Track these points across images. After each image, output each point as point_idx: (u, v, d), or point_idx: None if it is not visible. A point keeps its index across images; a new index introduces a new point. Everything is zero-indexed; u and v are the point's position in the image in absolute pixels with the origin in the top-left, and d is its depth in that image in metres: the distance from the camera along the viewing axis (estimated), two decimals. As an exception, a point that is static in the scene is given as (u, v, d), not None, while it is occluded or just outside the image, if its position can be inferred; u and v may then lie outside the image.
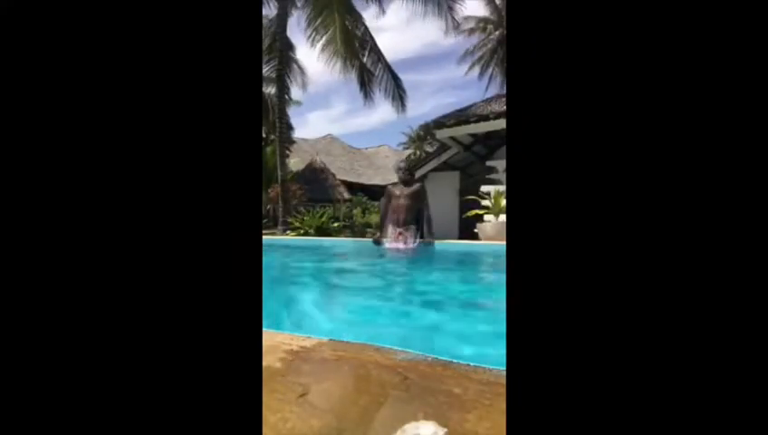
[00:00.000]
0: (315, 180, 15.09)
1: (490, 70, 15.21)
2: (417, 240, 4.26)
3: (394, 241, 4.26)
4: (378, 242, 4.42)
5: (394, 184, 4.65)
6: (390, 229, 4.33)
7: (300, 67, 11.72)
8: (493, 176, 7.52)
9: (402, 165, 4.78)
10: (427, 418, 0.60)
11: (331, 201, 14.44)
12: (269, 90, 10.83)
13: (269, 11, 9.15)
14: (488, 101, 8.56)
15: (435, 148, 10.64)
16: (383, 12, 9.29)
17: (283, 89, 9.50)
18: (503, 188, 6.07)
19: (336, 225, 8.38)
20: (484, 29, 14.96)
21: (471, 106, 8.22)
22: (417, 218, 4.38)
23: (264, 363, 0.82)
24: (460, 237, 7.67)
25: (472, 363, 0.82)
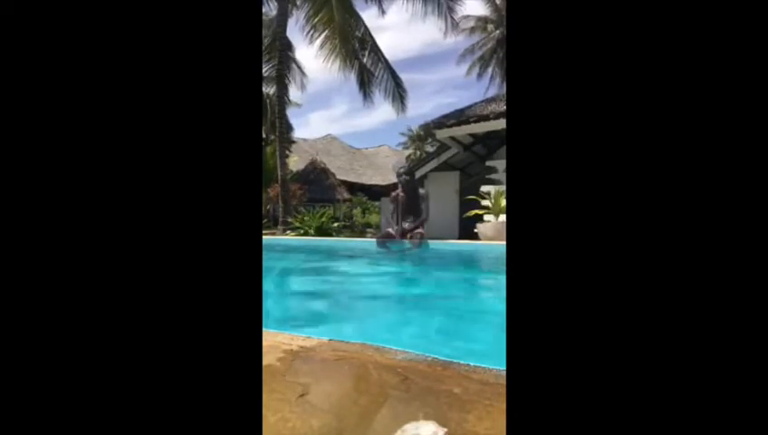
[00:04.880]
0: (315, 180, 15.08)
1: (490, 69, 15.20)
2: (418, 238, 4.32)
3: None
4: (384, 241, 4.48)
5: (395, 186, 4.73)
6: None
7: (299, 67, 11.72)
8: (493, 176, 7.52)
9: (401, 170, 4.84)
10: (427, 418, 0.60)
11: (331, 201, 14.44)
12: (268, 90, 10.82)
13: (269, 11, 9.16)
14: (488, 101, 8.55)
15: (435, 148, 10.64)
16: (383, 12, 9.30)
17: (283, 89, 9.49)
18: (503, 188, 6.07)
19: (336, 225, 8.38)
20: (485, 28, 14.95)
21: (471, 106, 8.22)
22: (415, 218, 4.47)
23: (264, 363, 0.82)
24: (460, 237, 7.67)
25: (472, 363, 0.82)
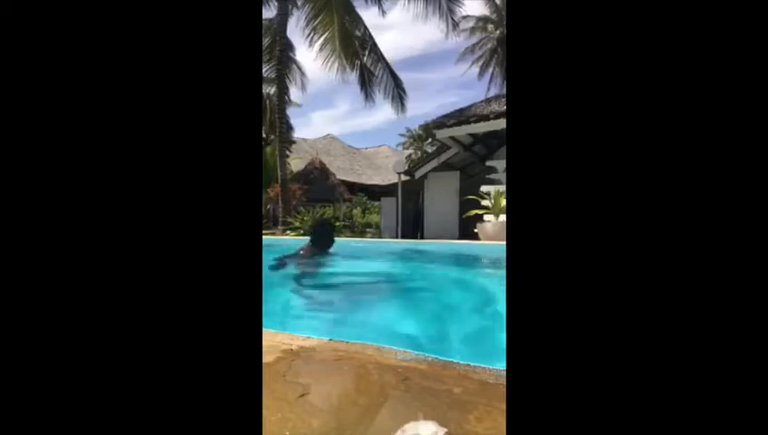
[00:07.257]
0: (315, 180, 15.07)
1: (491, 69, 15.20)
2: None
3: None
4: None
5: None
6: None
7: (299, 67, 11.72)
8: (493, 176, 7.51)
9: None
10: (426, 418, 0.60)
11: (330, 201, 14.43)
12: (269, 90, 10.81)
13: (269, 12, 9.15)
14: (488, 101, 8.55)
15: (435, 148, 10.63)
16: (383, 13, 9.29)
17: (283, 89, 9.49)
18: (503, 188, 6.07)
19: (336, 225, 8.38)
20: (485, 28, 14.95)
21: (471, 106, 8.22)
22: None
23: (264, 363, 0.82)
24: (460, 237, 7.67)
25: (472, 363, 0.82)
